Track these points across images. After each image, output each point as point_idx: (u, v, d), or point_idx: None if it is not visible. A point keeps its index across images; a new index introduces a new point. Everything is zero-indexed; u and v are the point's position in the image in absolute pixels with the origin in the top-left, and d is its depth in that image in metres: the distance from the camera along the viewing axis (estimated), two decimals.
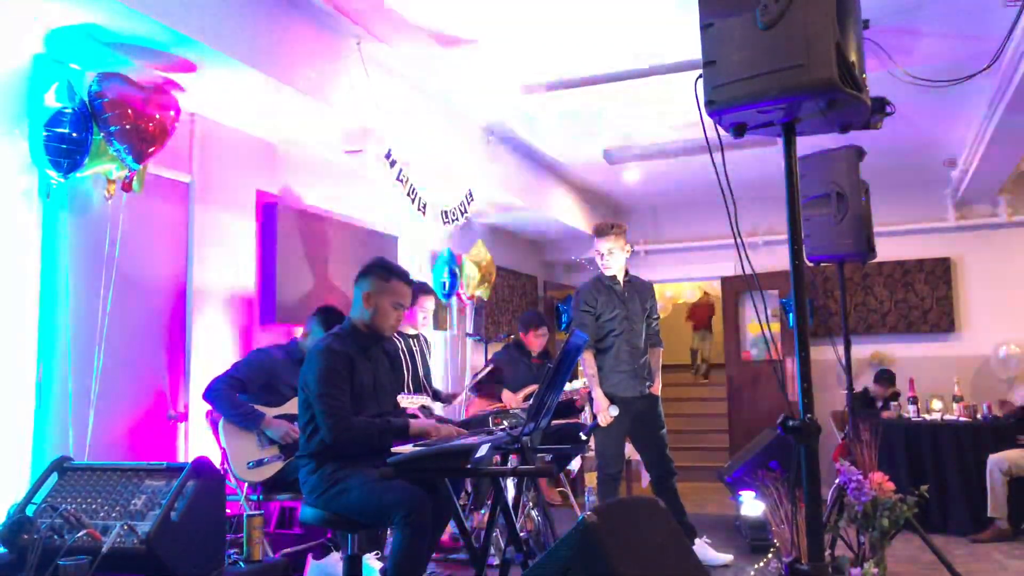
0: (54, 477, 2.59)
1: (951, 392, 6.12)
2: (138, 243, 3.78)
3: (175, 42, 3.22)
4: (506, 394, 5.41)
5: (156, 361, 3.92)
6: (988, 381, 7.15)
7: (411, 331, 4.81)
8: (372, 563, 3.53)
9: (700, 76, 1.89)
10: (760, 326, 7.58)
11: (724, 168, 1.93)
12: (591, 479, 5.83)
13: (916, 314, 7.64)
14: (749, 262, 1.99)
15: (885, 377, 6.77)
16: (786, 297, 7.75)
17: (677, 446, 5.10)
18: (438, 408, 4.82)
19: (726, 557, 4.55)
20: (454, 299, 6.58)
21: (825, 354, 6.60)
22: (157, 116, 3.30)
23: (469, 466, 2.68)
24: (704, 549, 4.51)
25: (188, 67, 3.50)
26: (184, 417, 3.98)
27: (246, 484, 3.72)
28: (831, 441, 6.67)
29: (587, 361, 4.50)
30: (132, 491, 2.45)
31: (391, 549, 2.77)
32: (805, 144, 2.11)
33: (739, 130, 1.92)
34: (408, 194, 4.64)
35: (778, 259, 3.39)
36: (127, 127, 3.19)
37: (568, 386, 4.94)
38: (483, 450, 2.70)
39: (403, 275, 3.23)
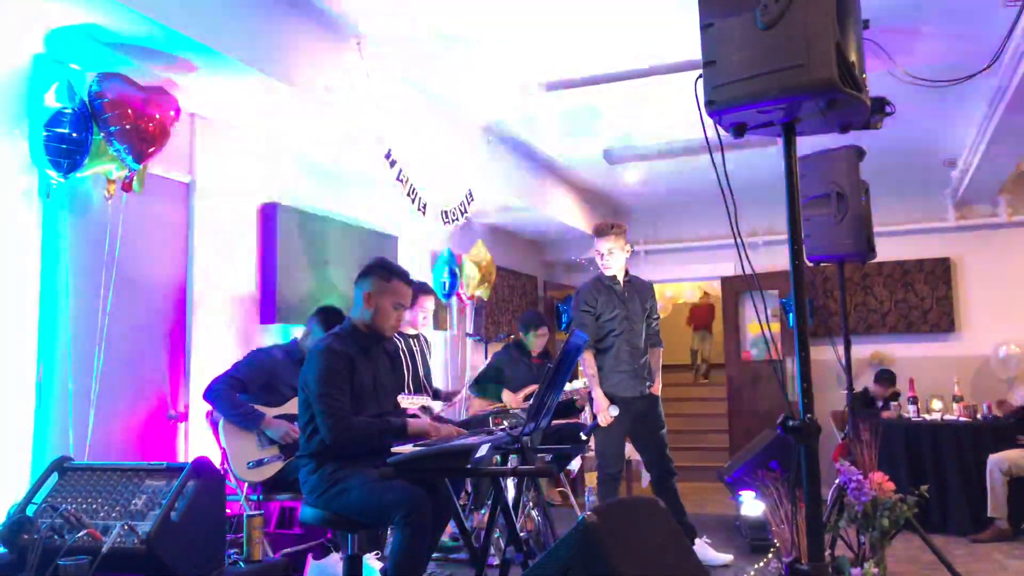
0: (54, 477, 2.59)
1: (951, 392, 6.12)
2: (138, 243, 3.78)
3: (175, 42, 3.22)
4: (506, 394, 5.40)
5: (156, 361, 3.92)
6: (988, 381, 7.15)
7: (411, 331, 4.81)
8: (372, 563, 3.53)
9: (700, 76, 1.89)
10: (760, 326, 7.58)
11: (724, 168, 1.93)
12: (591, 479, 5.84)
13: (916, 314, 7.64)
14: (749, 262, 1.99)
15: (885, 377, 6.77)
16: (786, 297, 7.75)
17: (677, 446, 5.10)
18: (438, 408, 4.82)
19: (726, 557, 4.55)
20: (454, 299, 6.59)
21: (825, 354, 6.59)
22: (157, 116, 3.30)
23: (469, 466, 2.68)
24: (704, 549, 4.51)
25: (188, 67, 3.50)
26: (184, 417, 3.98)
27: (246, 484, 3.72)
28: (831, 441, 6.67)
29: (587, 361, 4.50)
30: (132, 491, 2.45)
31: (391, 549, 2.77)
32: (805, 144, 2.11)
33: (739, 130, 1.92)
34: (408, 194, 4.64)
35: (778, 259, 3.39)
36: (127, 127, 3.19)
37: (568, 386, 4.94)
38: (483, 450, 2.70)
39: (404, 275, 3.23)
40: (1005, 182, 6.85)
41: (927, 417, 5.94)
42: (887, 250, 6.79)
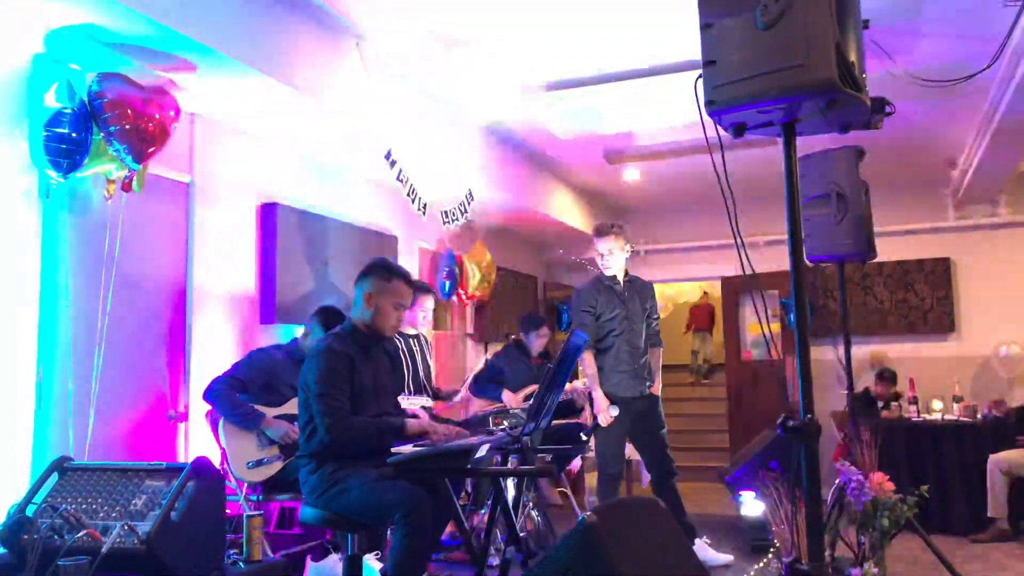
0: (54, 477, 2.59)
1: (951, 392, 6.12)
2: (138, 243, 3.78)
3: (175, 42, 3.22)
4: (506, 394, 5.41)
5: (156, 361, 3.92)
6: (988, 381, 7.15)
7: (411, 331, 4.81)
8: (372, 563, 3.53)
9: (700, 76, 1.89)
10: (760, 326, 7.58)
11: (724, 168, 1.93)
12: (591, 479, 5.84)
13: (916, 314, 7.63)
14: (749, 262, 1.99)
15: (886, 377, 6.77)
16: (786, 297, 7.75)
17: (677, 446, 5.10)
18: (432, 406, 4.82)
19: (726, 557, 4.55)
20: (454, 299, 6.58)
21: (825, 354, 6.61)
22: (157, 116, 3.30)
23: (469, 466, 2.68)
24: (704, 549, 4.51)
25: (188, 67, 3.49)
26: (184, 417, 3.98)
27: (246, 484, 3.72)
28: (831, 441, 6.67)
29: (587, 361, 4.50)
30: (132, 491, 2.45)
31: (391, 549, 2.77)
32: (805, 144, 2.11)
33: (739, 130, 1.92)
34: (408, 194, 4.64)
35: (778, 259, 3.39)
36: (127, 127, 3.19)
37: (568, 386, 4.94)
38: (483, 450, 2.70)
39: (404, 275, 3.23)
40: (1005, 182, 6.85)
41: (927, 417, 5.93)
42: (887, 250, 6.78)
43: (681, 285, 11.75)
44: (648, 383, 4.53)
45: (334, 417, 2.87)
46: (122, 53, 3.30)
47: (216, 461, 3.55)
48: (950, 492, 5.45)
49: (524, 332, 5.69)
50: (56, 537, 2.27)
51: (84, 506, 2.43)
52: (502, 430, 3.27)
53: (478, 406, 5.54)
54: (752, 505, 4.85)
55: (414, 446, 2.81)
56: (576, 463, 6.19)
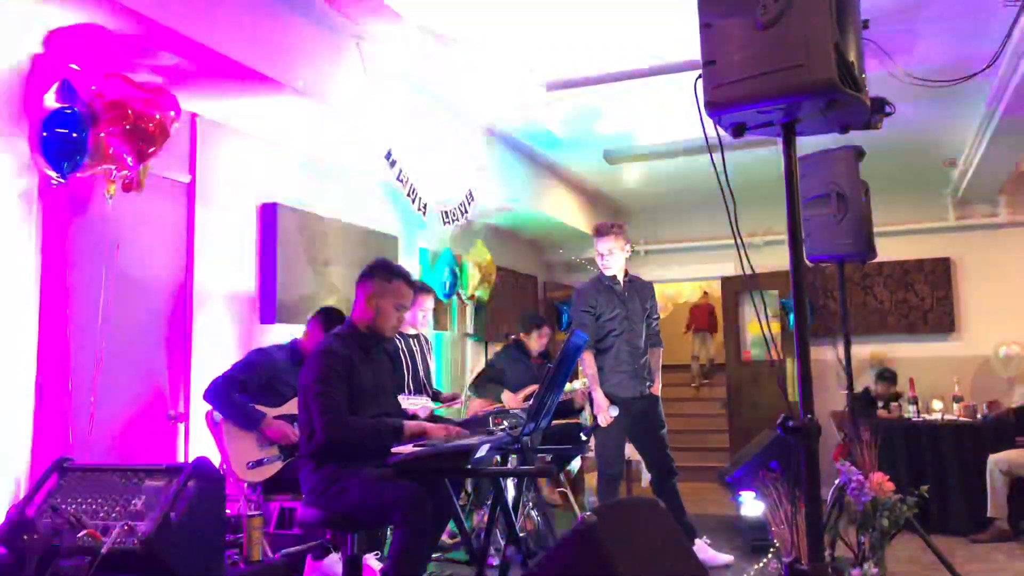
0: (54, 477, 2.59)
1: (951, 392, 6.12)
2: (138, 243, 3.78)
3: (175, 42, 3.22)
4: (506, 394, 5.40)
5: (156, 361, 3.92)
6: (988, 381, 7.15)
7: (411, 331, 4.81)
8: (372, 563, 3.53)
9: (700, 76, 1.89)
10: (760, 326, 7.58)
11: (724, 168, 1.93)
12: (591, 479, 5.83)
13: (916, 314, 7.63)
14: (749, 262, 1.99)
15: (887, 377, 6.77)
16: (786, 297, 7.74)
17: (677, 446, 5.10)
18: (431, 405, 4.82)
19: (726, 557, 4.55)
20: (454, 299, 6.58)
21: (825, 354, 6.59)
22: (157, 116, 3.30)
23: (469, 466, 2.68)
24: (704, 549, 4.51)
25: (188, 68, 3.49)
26: (184, 417, 3.98)
27: (246, 484, 3.72)
28: (831, 441, 6.67)
29: (587, 361, 4.50)
30: (132, 492, 2.45)
31: (391, 549, 2.77)
32: (805, 144, 2.11)
33: (739, 130, 1.92)
34: (408, 194, 4.64)
35: (778, 259, 3.39)
36: (127, 127, 3.19)
37: (568, 386, 4.94)
38: (483, 450, 2.70)
39: (405, 276, 3.23)
40: (1005, 182, 6.85)
41: (927, 417, 5.93)
42: (887, 250, 6.77)
43: (681, 285, 11.75)
44: (648, 383, 4.53)
45: (331, 415, 2.87)
46: (122, 53, 3.30)
47: (216, 461, 3.55)
48: (950, 492, 5.45)
49: (524, 332, 5.69)
50: (56, 537, 2.27)
51: (84, 506, 2.43)
52: (502, 430, 3.27)
53: (478, 406, 5.54)
54: (752, 505, 4.85)
55: (414, 446, 2.81)
56: (576, 463, 6.20)
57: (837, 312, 7.63)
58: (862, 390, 6.62)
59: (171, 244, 4.04)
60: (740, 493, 5.07)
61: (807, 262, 3.82)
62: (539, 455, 3.01)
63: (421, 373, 4.76)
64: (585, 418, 5.41)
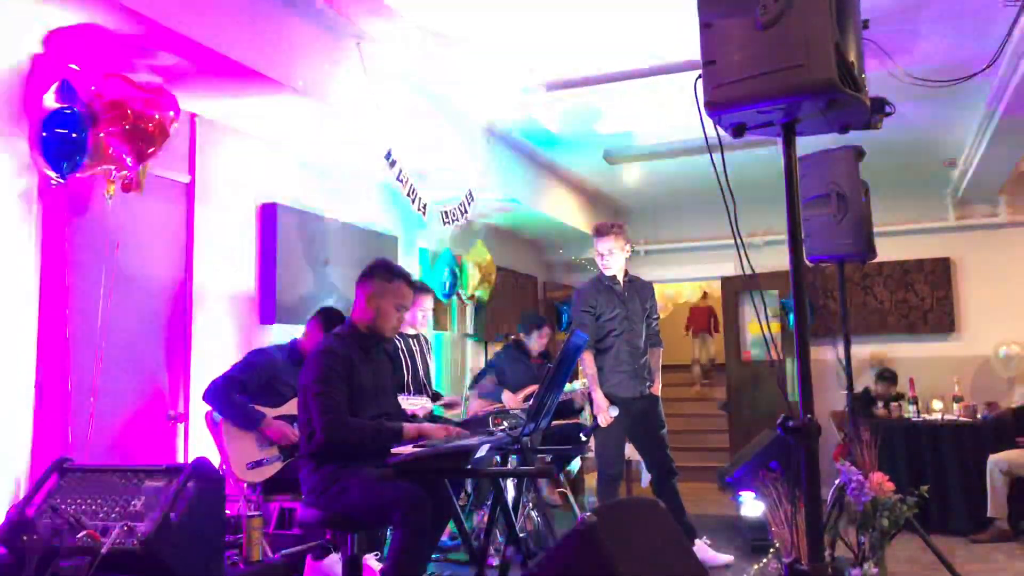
0: (54, 478, 2.59)
1: (951, 392, 6.12)
2: (138, 243, 3.78)
3: (175, 43, 3.22)
4: (506, 394, 5.41)
5: (156, 361, 3.92)
6: (988, 381, 7.15)
7: (411, 331, 4.81)
8: (372, 563, 3.52)
9: (700, 76, 1.89)
10: (760, 326, 7.58)
11: (724, 168, 1.93)
12: (591, 479, 5.83)
13: (916, 314, 7.63)
14: (749, 262, 1.99)
15: (887, 377, 6.77)
16: (786, 297, 7.74)
17: (677, 446, 5.10)
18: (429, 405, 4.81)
19: (726, 558, 4.55)
20: (454, 299, 6.58)
21: (825, 354, 6.60)
22: (157, 116, 3.30)
23: (469, 467, 2.68)
24: (704, 549, 4.51)
25: (188, 68, 3.49)
26: (184, 417, 3.98)
27: (245, 485, 3.72)
28: (831, 441, 6.67)
29: (587, 361, 4.50)
30: (132, 492, 2.45)
31: (390, 549, 2.77)
32: (805, 144, 2.11)
33: (739, 130, 1.92)
34: (408, 194, 4.64)
35: (778, 259, 3.38)
36: (126, 127, 3.19)
37: (568, 386, 4.94)
38: (483, 451, 2.70)
39: (405, 277, 3.24)
40: (1005, 182, 6.85)
41: (927, 417, 5.93)
42: (887, 250, 6.78)
43: (681, 285, 11.73)
44: (648, 383, 4.53)
45: (331, 416, 2.87)
46: (122, 53, 3.30)
47: (216, 462, 3.55)
48: (950, 492, 5.45)
49: (524, 332, 5.69)
50: (56, 538, 2.27)
51: (84, 507, 2.43)
52: (502, 430, 3.27)
53: (478, 406, 5.54)
54: (752, 505, 4.85)
55: (414, 446, 2.81)
56: (576, 463, 6.19)
57: (837, 312, 7.63)
58: (862, 390, 6.62)
59: (171, 244, 4.04)
60: (740, 493, 5.08)
61: (807, 262, 3.82)
62: (539, 455, 3.01)
63: (421, 373, 4.76)
64: (585, 418, 5.41)
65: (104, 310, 3.47)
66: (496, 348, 6.45)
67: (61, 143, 3.09)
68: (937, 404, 6.10)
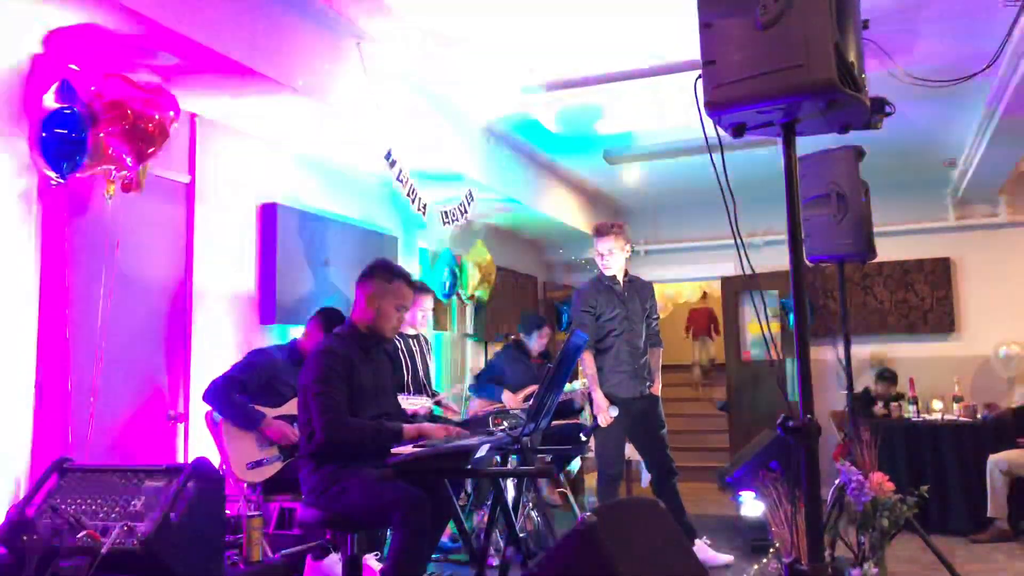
0: (54, 478, 2.59)
1: (951, 392, 6.12)
2: (138, 243, 3.78)
3: (175, 43, 3.22)
4: (506, 394, 5.41)
5: (156, 361, 3.92)
6: (988, 381, 7.14)
7: (411, 331, 4.81)
8: (372, 563, 3.52)
9: (700, 76, 1.89)
10: (760, 326, 7.57)
11: (724, 168, 1.93)
12: (591, 479, 5.83)
13: (916, 314, 7.63)
14: (749, 262, 1.99)
15: (887, 377, 6.76)
16: (786, 297, 7.74)
17: (677, 446, 5.10)
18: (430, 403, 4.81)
19: (726, 558, 4.55)
20: (454, 299, 6.58)
21: (825, 354, 6.60)
22: (156, 116, 3.30)
23: (469, 467, 2.68)
24: (704, 550, 4.51)
25: (187, 68, 3.49)
26: (184, 417, 3.98)
27: (245, 485, 3.72)
28: (831, 441, 6.67)
29: (587, 362, 4.50)
30: (132, 492, 2.45)
31: (390, 550, 2.77)
32: (805, 144, 2.11)
33: (739, 130, 1.92)
34: (408, 194, 4.64)
35: (778, 259, 3.38)
36: (126, 127, 3.19)
37: (568, 386, 4.94)
38: (483, 451, 2.70)
39: (406, 277, 3.24)
40: (1005, 182, 6.85)
41: (927, 417, 5.93)
42: (887, 250, 6.77)
43: (681, 285, 11.73)
44: (648, 383, 4.53)
45: (331, 416, 2.87)
46: (122, 53, 3.30)
47: (216, 462, 3.55)
48: (950, 492, 5.45)
49: (524, 332, 5.69)
50: (56, 538, 2.27)
51: (84, 507, 2.43)
52: (502, 430, 3.27)
53: (478, 406, 5.54)
54: (752, 505, 4.85)
55: (414, 446, 2.81)
56: (576, 463, 6.19)
57: (837, 312, 7.62)
58: (862, 390, 6.62)
59: (171, 244, 4.04)
60: (740, 493, 5.08)
61: (807, 262, 3.82)
62: (539, 455, 3.01)
63: (421, 373, 4.76)
64: (585, 418, 5.41)
65: (104, 310, 3.47)
66: (496, 348, 6.44)
67: (61, 143, 3.09)
68: (937, 404, 6.10)
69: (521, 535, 3.03)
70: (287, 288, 4.66)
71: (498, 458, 3.09)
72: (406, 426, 3.02)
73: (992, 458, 5.23)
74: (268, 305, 4.58)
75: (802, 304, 1.93)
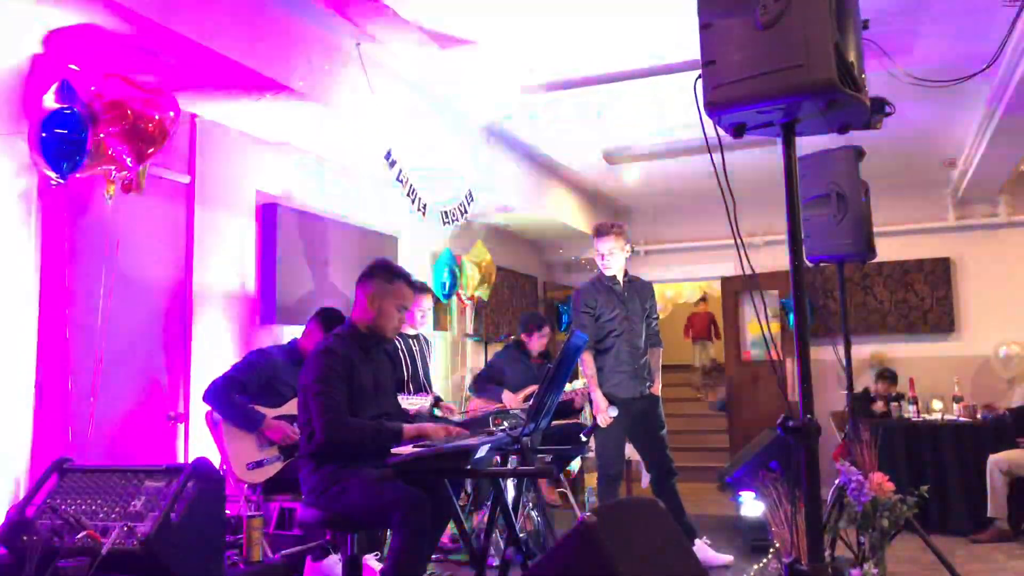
0: (54, 478, 2.59)
1: (951, 392, 6.12)
2: (138, 243, 3.78)
3: (175, 42, 3.22)
4: (506, 394, 5.41)
5: (156, 361, 3.92)
6: (988, 381, 7.15)
7: (411, 331, 4.81)
8: (372, 564, 3.53)
9: (700, 76, 1.89)
10: (760, 326, 7.57)
11: (724, 168, 1.93)
12: (591, 479, 5.83)
13: (916, 314, 7.63)
14: (749, 262, 1.99)
15: (887, 377, 6.77)
16: (786, 297, 7.74)
17: (677, 446, 5.10)
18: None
19: (726, 558, 4.55)
20: (454, 299, 6.58)
21: (825, 354, 6.57)
22: (156, 116, 3.30)
23: (469, 467, 2.68)
24: (704, 550, 4.51)
25: (187, 68, 3.49)
26: (184, 418, 3.98)
27: (246, 485, 3.72)
28: (831, 441, 6.67)
29: (587, 362, 4.49)
30: (132, 492, 2.45)
31: (390, 550, 2.77)
32: (805, 144, 2.11)
33: (739, 130, 1.92)
34: (408, 194, 4.64)
35: (778, 259, 3.38)
36: (126, 128, 3.19)
37: (568, 386, 4.93)
38: (483, 451, 2.70)
39: (406, 277, 3.23)
40: (1005, 182, 6.85)
41: (927, 417, 5.93)
42: (887, 250, 6.78)
43: (681, 285, 11.72)
44: (648, 383, 4.53)
45: (331, 416, 2.87)
46: (121, 53, 3.30)
47: (216, 462, 3.55)
48: (950, 492, 5.45)
49: (524, 332, 5.69)
50: (56, 538, 2.27)
51: (84, 507, 2.43)
52: (502, 430, 3.27)
53: (478, 406, 5.54)
54: (752, 505, 4.85)
55: (414, 446, 2.81)
56: (576, 464, 6.19)
57: (837, 312, 7.64)
58: (862, 390, 6.62)
59: (171, 244, 4.04)
60: (740, 493, 5.08)
61: (807, 262, 3.82)
62: (539, 455, 3.01)
63: (421, 373, 4.76)
64: (585, 418, 5.41)
65: (104, 310, 3.47)
66: (496, 348, 6.44)
67: (61, 143, 3.09)
68: (937, 404, 6.10)
69: (521, 535, 3.03)
70: (287, 288, 4.66)
71: (498, 458, 3.09)
72: (406, 426, 3.02)
73: (992, 458, 5.23)
74: (268, 305, 4.58)
75: (802, 304, 1.93)
